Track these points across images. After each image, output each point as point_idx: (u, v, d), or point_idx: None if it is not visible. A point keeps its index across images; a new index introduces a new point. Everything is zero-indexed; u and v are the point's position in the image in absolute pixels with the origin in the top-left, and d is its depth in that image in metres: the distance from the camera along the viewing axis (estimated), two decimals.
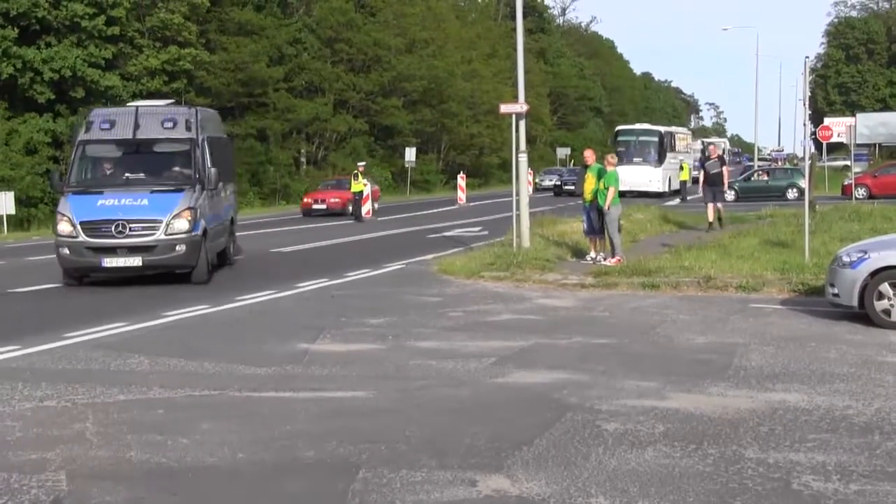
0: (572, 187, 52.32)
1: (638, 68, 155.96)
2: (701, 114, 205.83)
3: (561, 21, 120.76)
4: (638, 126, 57.52)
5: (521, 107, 21.66)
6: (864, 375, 10.06)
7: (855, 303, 12.90)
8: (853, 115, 69.62)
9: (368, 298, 16.17)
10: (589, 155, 20.63)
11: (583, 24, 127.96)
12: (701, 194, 28.55)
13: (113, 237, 17.36)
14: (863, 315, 12.93)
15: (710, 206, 26.71)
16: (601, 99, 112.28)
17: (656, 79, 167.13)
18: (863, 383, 9.72)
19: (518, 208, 21.63)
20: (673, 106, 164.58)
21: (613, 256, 19.32)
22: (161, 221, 17.53)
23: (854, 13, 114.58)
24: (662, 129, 55.89)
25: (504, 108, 22.51)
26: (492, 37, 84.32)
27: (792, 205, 34.17)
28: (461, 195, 49.31)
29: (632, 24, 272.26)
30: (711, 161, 27.26)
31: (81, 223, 17.38)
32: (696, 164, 45.38)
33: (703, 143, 72.23)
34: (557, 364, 10.80)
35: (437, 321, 13.91)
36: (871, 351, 11.34)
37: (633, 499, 6.56)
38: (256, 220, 41.20)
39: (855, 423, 8.30)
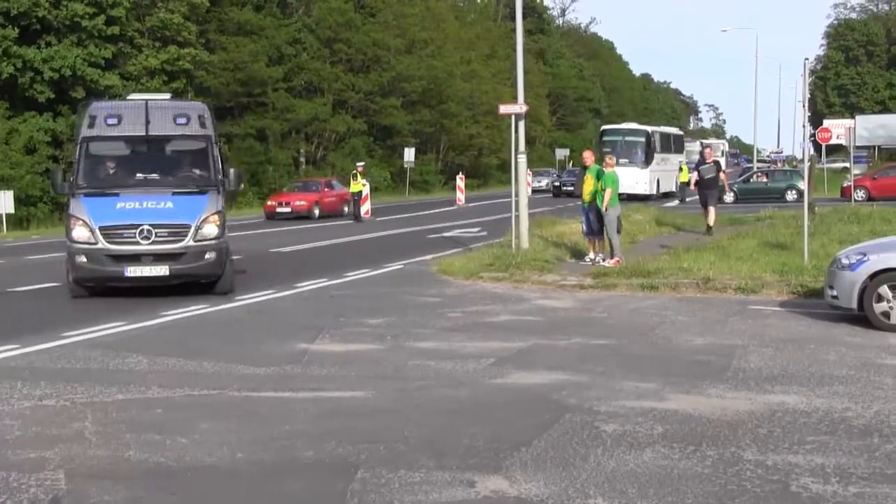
0: (571, 188, 51.87)
1: (637, 69, 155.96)
2: (700, 115, 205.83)
3: (560, 22, 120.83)
4: (624, 126, 55.56)
5: (520, 107, 21.66)
6: (863, 378, 10.07)
7: (854, 305, 12.91)
8: (852, 116, 69.64)
9: (367, 299, 16.18)
10: (588, 156, 20.66)
11: (582, 25, 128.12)
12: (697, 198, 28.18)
13: (137, 243, 15.66)
14: (862, 317, 12.93)
15: (711, 209, 26.25)
16: (600, 100, 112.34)
17: (655, 80, 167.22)
18: (862, 386, 9.72)
19: (517, 209, 21.63)
20: (672, 107, 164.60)
21: (612, 257, 19.33)
22: (189, 226, 15.86)
23: (854, 15, 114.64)
24: (650, 128, 53.83)
25: (503, 109, 22.52)
26: (491, 37, 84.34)
27: (791, 206, 34.18)
28: (460, 196, 49.31)
29: (631, 25, 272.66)
30: (706, 165, 26.32)
31: (101, 228, 15.65)
32: (691, 166, 44.30)
33: (701, 143, 71.60)
34: (556, 365, 10.80)
35: (436, 322, 13.91)
36: (870, 353, 11.34)
37: (632, 500, 6.56)
38: (254, 220, 41.20)
39: (854, 425, 8.31)
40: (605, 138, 50.86)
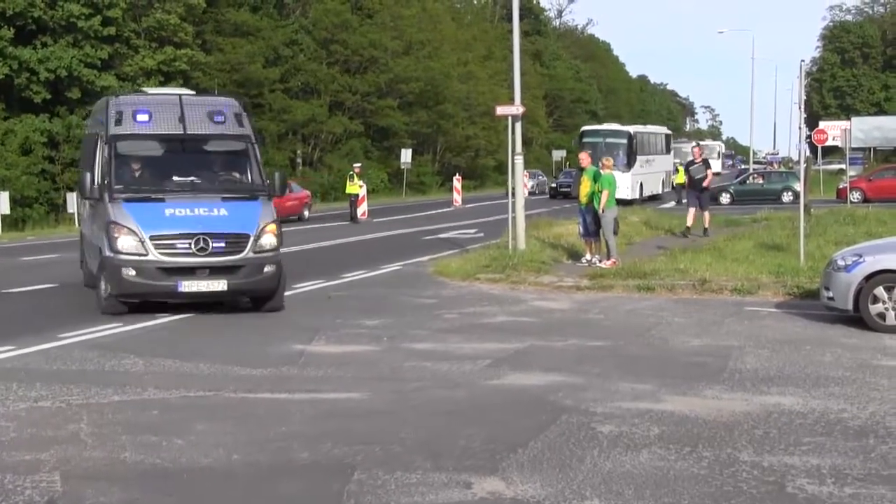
0: (568, 189, 51.18)
1: (634, 71, 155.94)
2: (696, 117, 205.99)
3: (557, 23, 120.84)
4: (605, 126, 52.59)
5: (517, 109, 21.67)
6: (859, 379, 10.08)
7: (850, 306, 12.92)
8: (848, 118, 69.66)
9: (364, 300, 16.17)
10: (584, 158, 20.68)
11: (579, 27, 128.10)
12: (685, 199, 27.42)
13: (193, 255, 14.01)
14: (857, 318, 12.94)
15: (692, 210, 25.86)
16: (597, 102, 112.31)
17: (652, 81, 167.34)
18: (858, 387, 9.74)
19: (514, 210, 21.64)
20: (668, 109, 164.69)
21: (609, 259, 19.34)
22: (249, 237, 14.32)
23: (849, 17, 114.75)
24: (632, 129, 50.50)
25: (500, 110, 22.53)
26: (488, 39, 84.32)
27: (787, 208, 34.19)
28: (457, 197, 49.29)
29: (628, 26, 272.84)
30: (696, 165, 26.07)
31: (152, 238, 13.97)
32: (681, 166, 43.41)
33: (697, 144, 71.44)
34: (552, 366, 10.81)
35: (433, 323, 13.91)
36: (865, 354, 11.35)
37: (628, 501, 6.56)
38: None
39: (850, 426, 8.32)
40: (584, 140, 47.88)
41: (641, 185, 48.56)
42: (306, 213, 40.58)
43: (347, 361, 11.24)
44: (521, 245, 21.28)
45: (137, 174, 15.15)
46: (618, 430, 8.20)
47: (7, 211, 37.45)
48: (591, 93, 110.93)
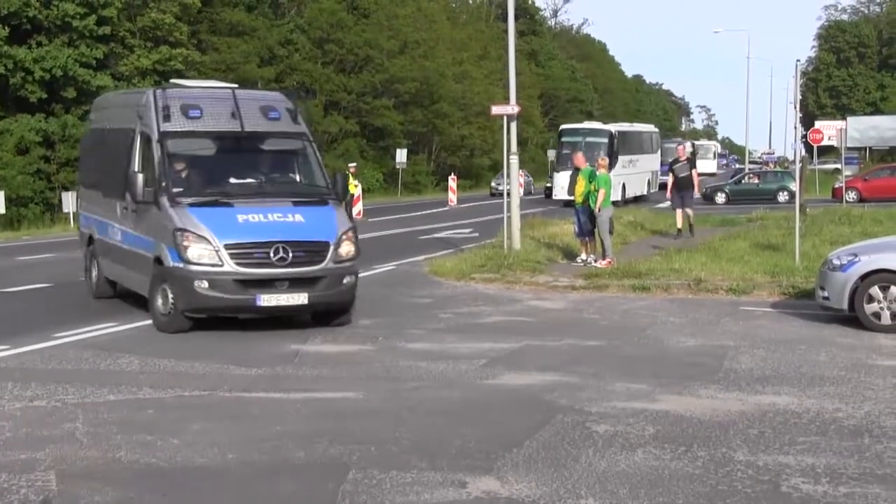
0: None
1: (629, 71, 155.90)
2: (692, 116, 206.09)
3: (552, 23, 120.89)
4: (585, 125, 50.14)
5: (512, 108, 21.67)
6: (854, 378, 10.09)
7: (845, 306, 12.93)
8: (844, 118, 69.73)
9: (359, 299, 16.11)
10: (580, 158, 20.70)
11: (574, 27, 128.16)
12: (669, 199, 26.60)
13: (272, 265, 12.69)
14: (853, 318, 12.96)
15: (679, 211, 25.28)
16: (592, 101, 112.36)
17: (647, 81, 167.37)
18: (852, 386, 9.75)
19: (509, 210, 21.64)
20: (664, 108, 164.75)
21: (604, 258, 19.35)
22: (328, 245, 13.10)
23: (845, 17, 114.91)
24: (613, 128, 47.92)
25: (495, 110, 22.53)
26: (483, 38, 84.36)
27: (782, 208, 34.23)
28: (452, 196, 49.27)
29: (623, 26, 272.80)
30: (680, 164, 25.49)
31: (227, 246, 12.61)
32: (664, 167, 41.72)
33: (692, 144, 71.22)
34: (548, 366, 10.81)
35: (428, 323, 13.91)
36: (860, 354, 11.37)
37: (623, 501, 6.57)
38: None
39: (844, 426, 8.33)
40: (563, 139, 45.97)
41: (624, 186, 45.90)
42: None
43: (343, 361, 11.24)
44: (516, 245, 21.28)
45: (192, 176, 13.72)
46: (613, 430, 8.20)
47: (2, 210, 37.42)
48: (586, 93, 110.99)
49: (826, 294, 13.23)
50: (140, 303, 14.44)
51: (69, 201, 38.44)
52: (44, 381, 10.15)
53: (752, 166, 72.22)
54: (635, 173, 48.55)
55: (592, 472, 7.12)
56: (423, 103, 69.27)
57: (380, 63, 65.10)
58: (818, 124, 50.39)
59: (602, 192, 19.19)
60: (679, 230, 25.25)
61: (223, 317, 13.13)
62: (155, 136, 13.57)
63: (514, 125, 21.72)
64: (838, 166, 54.49)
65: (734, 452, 7.57)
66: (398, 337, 12.69)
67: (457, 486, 6.87)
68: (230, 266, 12.61)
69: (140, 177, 13.36)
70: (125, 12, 47.41)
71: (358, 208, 39.53)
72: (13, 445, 7.89)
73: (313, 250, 13.01)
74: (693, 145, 69.22)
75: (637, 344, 12.22)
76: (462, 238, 28.65)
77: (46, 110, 44.04)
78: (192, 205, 13.04)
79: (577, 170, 20.54)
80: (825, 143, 43.08)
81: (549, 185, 57.85)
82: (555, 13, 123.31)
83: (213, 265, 12.62)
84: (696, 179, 25.77)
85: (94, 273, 16.10)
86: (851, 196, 41.45)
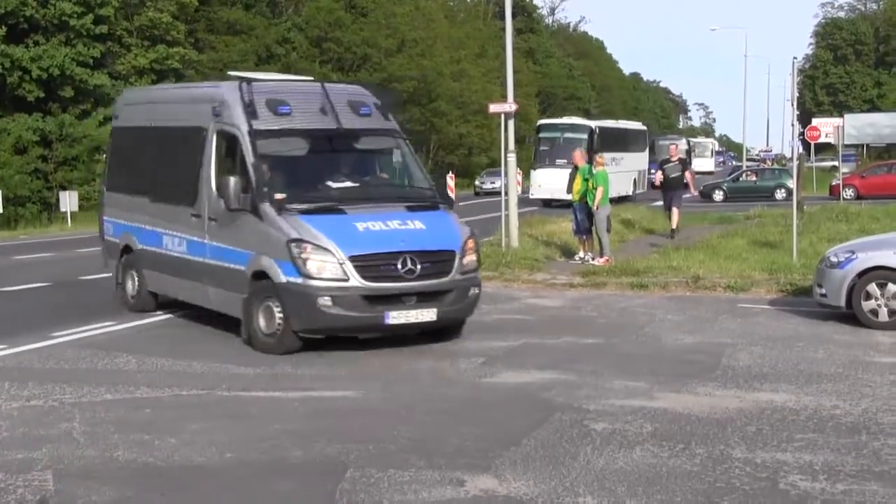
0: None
1: (627, 68, 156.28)
2: (690, 114, 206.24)
3: (550, 21, 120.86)
4: (564, 120, 48.25)
5: (509, 106, 21.65)
6: (852, 376, 10.09)
7: (842, 303, 12.94)
8: (841, 115, 69.80)
9: None
10: (578, 155, 20.70)
11: (572, 24, 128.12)
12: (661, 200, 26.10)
13: (401, 279, 11.44)
14: (850, 315, 12.96)
15: (675, 210, 24.54)
16: (590, 99, 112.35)
17: (645, 79, 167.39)
18: (850, 383, 9.75)
19: (507, 208, 21.64)
20: (662, 106, 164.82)
21: (602, 256, 19.35)
22: (454, 254, 11.91)
23: (842, 14, 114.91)
24: (593, 124, 45.72)
25: (493, 108, 22.52)
26: (481, 36, 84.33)
27: (780, 205, 34.25)
28: (450, 194, 48.94)
29: (621, 24, 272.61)
30: (672, 164, 24.76)
31: (352, 258, 11.27)
32: (653, 166, 40.03)
33: (688, 141, 70.91)
34: (546, 364, 10.81)
35: None
36: (858, 351, 11.37)
37: (621, 498, 6.57)
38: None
39: (842, 423, 8.33)
40: (541, 135, 44.38)
41: None
42: None
43: (340, 360, 11.23)
44: (514, 243, 21.27)
45: (288, 179, 12.34)
46: (611, 428, 8.20)
47: (0, 210, 37.41)
48: (584, 90, 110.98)
49: (823, 291, 13.24)
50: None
51: (66, 201, 38.45)
52: (41, 380, 10.14)
53: (749, 164, 72.28)
54: (619, 172, 45.51)
55: (590, 470, 7.12)
56: (420, 101, 69.24)
57: (378, 61, 65.08)
58: (815, 121, 50.33)
59: (600, 189, 19.19)
60: (672, 230, 24.67)
61: (221, 316, 13.08)
62: (244, 136, 12.11)
63: (511, 123, 21.71)
64: (835, 163, 54.54)
65: (732, 450, 7.57)
66: (397, 335, 12.67)
67: (455, 484, 6.87)
68: (356, 280, 11.25)
69: (234, 181, 11.82)
70: (122, 11, 47.39)
71: None
72: (10, 445, 7.89)
73: (440, 260, 11.78)
74: (689, 143, 68.89)
75: (635, 342, 12.22)
76: None
77: (44, 109, 44.00)
78: (303, 212, 11.62)
79: (575, 167, 20.54)
80: (822, 140, 43.06)
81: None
82: (552, 11, 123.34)
83: (337, 280, 11.24)
84: (690, 180, 25.29)
85: (131, 285, 14.65)
86: (849, 193, 41.47)
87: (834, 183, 43.39)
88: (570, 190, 20.66)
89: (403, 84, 66.24)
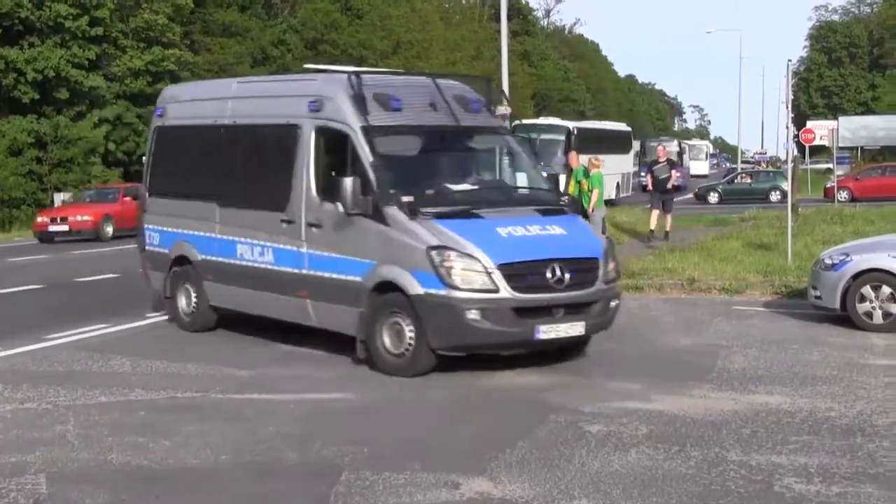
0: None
1: (622, 70, 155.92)
2: (685, 116, 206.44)
3: (545, 23, 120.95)
4: (541, 121, 46.71)
5: (505, 108, 21.67)
6: (847, 378, 10.10)
7: (837, 305, 12.94)
8: (835, 118, 69.86)
9: None
10: (573, 157, 20.71)
11: (567, 27, 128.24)
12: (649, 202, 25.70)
13: (551, 289, 10.35)
14: (845, 317, 12.96)
15: (655, 212, 24.22)
16: (585, 101, 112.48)
17: (640, 81, 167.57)
18: (845, 385, 9.75)
19: None
20: (657, 108, 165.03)
21: None
22: (598, 262, 10.86)
23: (836, 17, 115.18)
24: (571, 125, 43.83)
25: None
26: (476, 39, 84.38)
27: (775, 207, 34.27)
28: None
29: (616, 26, 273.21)
30: (660, 165, 24.56)
31: (501, 267, 10.13)
32: (643, 168, 39.53)
33: (679, 144, 70.77)
34: (541, 366, 10.79)
35: None
36: (853, 353, 11.37)
37: (616, 501, 6.56)
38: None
39: (837, 425, 8.33)
40: (517, 136, 42.34)
41: None
42: None
43: (335, 362, 11.22)
44: None
45: (408, 180, 11.07)
46: (606, 430, 8.20)
47: None
48: (579, 93, 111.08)
49: (818, 293, 13.24)
50: (128, 305, 14.36)
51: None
52: (35, 382, 10.12)
53: (744, 166, 72.34)
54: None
55: (586, 473, 7.12)
56: None
57: (373, 63, 65.05)
58: (810, 124, 50.40)
59: (595, 192, 19.20)
60: (651, 231, 24.18)
61: (218, 318, 13.05)
62: (357, 133, 10.92)
63: (506, 125, 21.71)
64: (830, 166, 54.62)
65: (727, 452, 7.57)
66: None
67: (450, 486, 6.87)
68: (507, 291, 10.11)
69: (353, 182, 10.55)
70: (118, 13, 47.36)
71: None
72: (3, 448, 7.87)
73: (586, 269, 10.74)
74: (680, 144, 68.74)
75: (630, 343, 12.21)
76: None
77: (39, 111, 43.97)
78: (439, 216, 10.51)
79: (570, 169, 20.56)
80: (817, 142, 43.10)
81: None
82: (547, 13, 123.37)
83: (485, 291, 10.09)
84: (672, 177, 24.68)
85: (184, 301, 13.23)
86: (843, 196, 41.55)
87: (828, 185, 43.47)
88: (565, 192, 20.66)
89: None
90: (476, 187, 11.79)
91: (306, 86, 12.01)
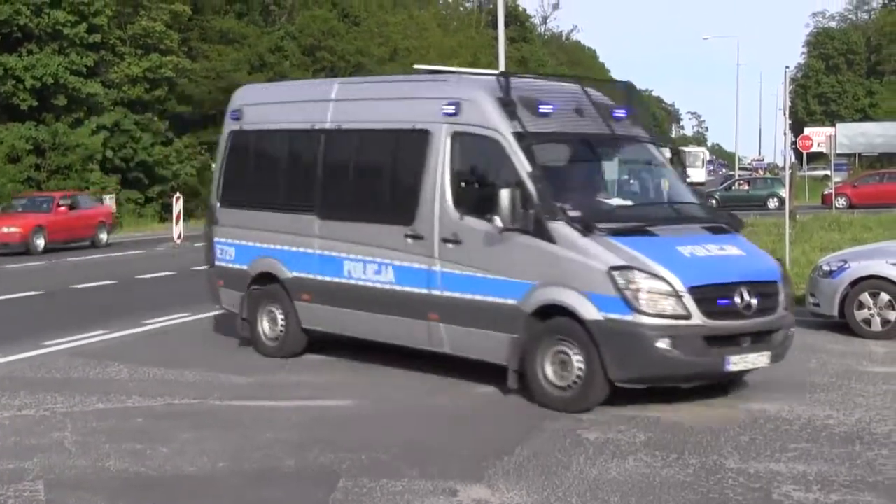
0: None
1: (619, 77, 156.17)
2: (682, 123, 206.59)
3: (542, 30, 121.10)
4: None
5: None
6: (845, 385, 10.09)
7: (835, 312, 12.94)
8: (833, 124, 69.93)
9: None
10: None
11: (564, 33, 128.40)
12: None
13: (739, 316, 9.33)
14: (843, 325, 12.96)
15: None
16: None
17: (637, 87, 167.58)
18: (843, 393, 9.75)
19: None
20: (654, 115, 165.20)
21: None
22: (778, 286, 9.87)
23: (833, 24, 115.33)
24: None
25: None
26: (474, 45, 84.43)
27: (773, 214, 34.31)
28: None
29: (613, 32, 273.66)
30: None
31: (692, 290, 9.08)
32: None
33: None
34: None
35: None
36: (851, 361, 11.37)
37: None
38: None
39: (836, 433, 8.33)
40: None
41: None
42: (104, 237, 31.58)
43: (333, 369, 11.22)
44: None
45: (561, 193, 9.88)
46: (604, 437, 8.19)
47: None
48: None
49: (816, 301, 13.24)
50: (125, 311, 14.30)
51: None
52: (32, 389, 10.10)
53: (742, 173, 72.38)
54: None
55: (583, 480, 7.11)
56: None
57: (371, 70, 65.10)
58: (808, 131, 50.59)
59: None
60: None
61: (212, 324, 13.03)
62: (509, 140, 9.79)
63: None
64: (828, 173, 54.67)
65: (725, 460, 7.56)
66: (387, 345, 12.64)
67: (447, 494, 6.86)
68: (699, 318, 9.06)
69: (511, 194, 9.46)
70: (115, 20, 47.39)
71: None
72: (1, 455, 7.84)
73: (769, 294, 9.71)
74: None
75: None
76: None
77: (37, 118, 43.96)
78: (615, 233, 9.40)
79: None
80: (815, 149, 43.27)
81: None
82: (545, 20, 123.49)
83: (676, 317, 9.03)
84: None
85: (269, 323, 11.92)
86: (841, 202, 41.60)
87: (826, 192, 43.54)
88: None
89: None
90: (637, 202, 10.81)
91: (436, 88, 10.79)
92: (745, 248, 10.09)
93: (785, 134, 20.43)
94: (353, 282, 10.99)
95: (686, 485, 7.00)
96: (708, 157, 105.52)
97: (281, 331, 11.79)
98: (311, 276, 11.44)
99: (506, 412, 9.19)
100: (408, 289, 10.42)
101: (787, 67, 20.34)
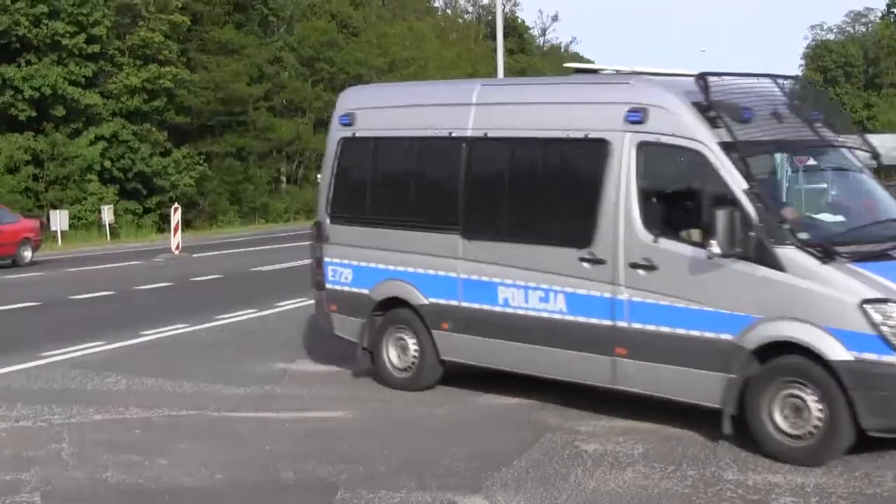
0: None
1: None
2: None
3: (541, 42, 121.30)
4: None
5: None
6: None
7: None
8: None
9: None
10: None
11: (563, 45, 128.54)
12: None
13: None
14: None
15: None
16: None
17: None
18: None
19: None
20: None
21: None
22: None
23: (831, 36, 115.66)
24: None
25: None
26: (473, 57, 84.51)
27: None
28: None
29: (611, 45, 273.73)
30: None
31: None
32: None
33: None
34: (537, 384, 10.76)
35: None
36: None
37: None
38: (235, 238, 41.11)
39: None
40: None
41: None
42: (27, 255, 27.95)
43: (331, 380, 11.21)
44: None
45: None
46: (602, 449, 8.19)
47: None
48: None
49: None
50: (123, 322, 14.27)
51: (57, 220, 38.33)
52: (30, 400, 10.09)
53: None
54: None
55: (582, 492, 7.10)
56: None
57: (369, 81, 65.27)
58: None
59: None
60: None
61: (210, 336, 13.01)
62: (717, 152, 8.53)
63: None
64: (825, 186, 54.62)
65: (724, 471, 7.56)
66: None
67: None
68: None
69: (729, 215, 8.22)
70: (114, 31, 47.46)
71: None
72: None
73: None
74: None
75: None
76: None
77: (35, 128, 44.01)
78: (859, 259, 8.14)
79: None
80: (811, 163, 43.20)
81: None
82: (543, 31, 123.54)
83: None
84: None
85: (396, 354, 10.68)
86: None
87: None
88: None
89: None
90: (862, 221, 9.36)
91: (613, 91, 9.46)
92: None
93: None
94: (510, 310, 9.74)
95: (684, 496, 6.99)
96: None
97: (413, 361, 10.56)
98: (453, 303, 10.17)
99: (504, 424, 9.18)
100: (585, 319, 9.17)
101: None
